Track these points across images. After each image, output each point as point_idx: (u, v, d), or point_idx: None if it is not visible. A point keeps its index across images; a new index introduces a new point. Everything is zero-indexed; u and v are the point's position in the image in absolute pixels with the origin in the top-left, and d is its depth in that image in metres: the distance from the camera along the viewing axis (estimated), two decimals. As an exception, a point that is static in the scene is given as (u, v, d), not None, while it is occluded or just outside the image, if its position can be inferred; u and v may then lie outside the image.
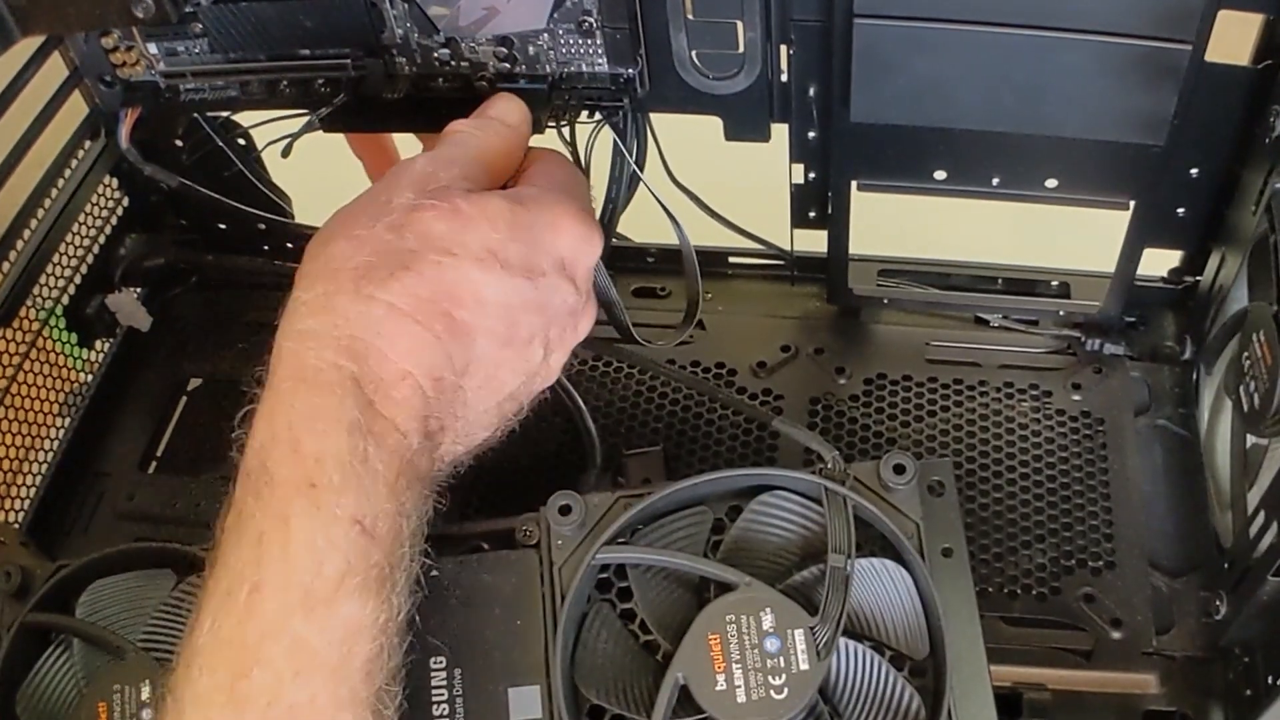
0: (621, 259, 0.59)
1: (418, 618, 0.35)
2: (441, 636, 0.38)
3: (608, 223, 0.48)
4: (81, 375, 0.57)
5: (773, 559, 0.38)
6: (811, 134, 0.49)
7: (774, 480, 0.39)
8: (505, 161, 0.39)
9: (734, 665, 0.35)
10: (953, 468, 0.39)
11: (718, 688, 0.35)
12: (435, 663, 0.37)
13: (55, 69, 0.50)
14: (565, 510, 0.38)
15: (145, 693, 0.38)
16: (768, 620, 0.36)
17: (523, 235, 0.36)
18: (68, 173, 0.54)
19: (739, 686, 0.35)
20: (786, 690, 0.35)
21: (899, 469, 0.38)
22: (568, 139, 0.45)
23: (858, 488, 0.38)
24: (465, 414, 0.36)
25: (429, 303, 0.34)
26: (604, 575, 0.38)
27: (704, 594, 0.38)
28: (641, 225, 0.53)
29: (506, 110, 0.41)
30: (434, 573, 0.39)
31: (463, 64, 0.45)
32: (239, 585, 0.30)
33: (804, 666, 0.35)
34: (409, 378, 0.33)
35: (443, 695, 0.37)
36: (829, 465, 0.39)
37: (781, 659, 0.35)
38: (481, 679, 0.37)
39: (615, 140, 0.46)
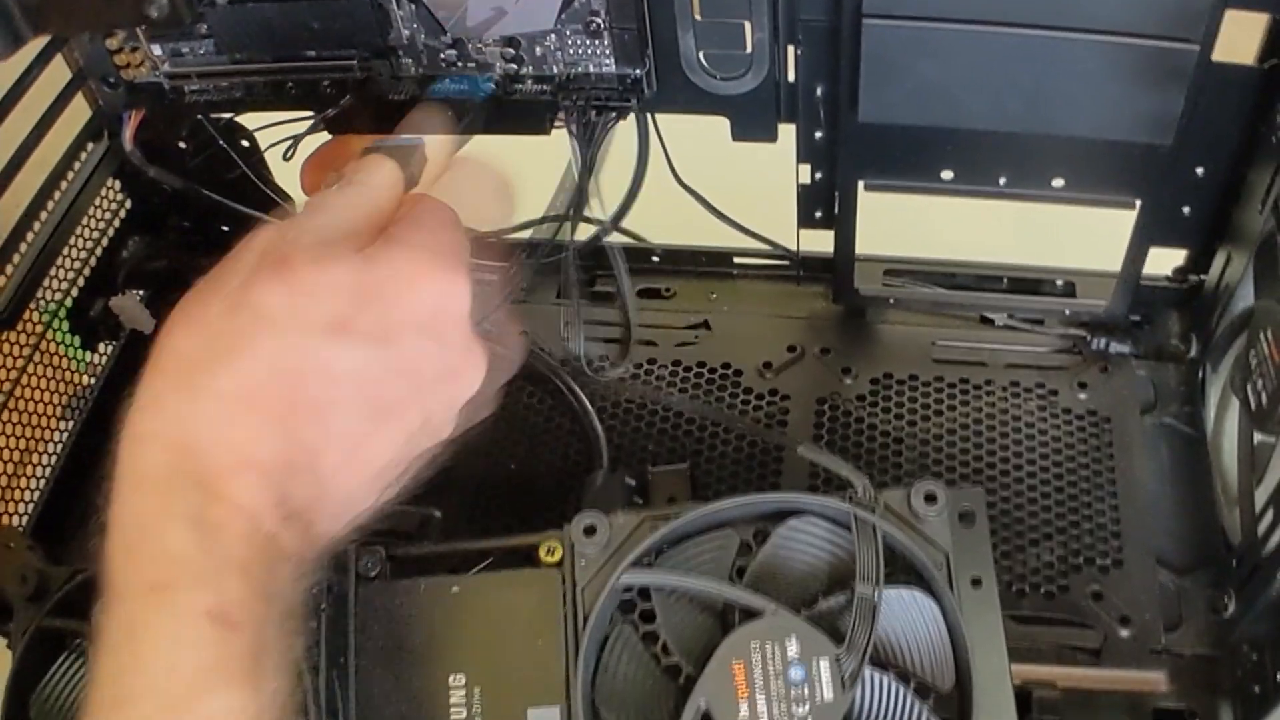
0: (626, 260, 0.59)
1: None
2: (462, 654, 0.37)
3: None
4: (85, 378, 0.57)
5: (799, 585, 0.38)
6: (818, 134, 0.49)
7: (802, 505, 0.39)
8: (369, 224, 0.36)
9: (757, 693, 0.35)
10: (984, 496, 0.39)
11: (740, 715, 0.35)
12: (454, 680, 0.37)
13: (59, 71, 0.50)
14: (590, 530, 0.38)
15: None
16: (793, 648, 0.36)
17: (373, 299, 0.33)
18: (71, 175, 0.54)
19: (762, 715, 0.35)
20: None
21: (930, 497, 0.38)
22: (574, 134, 0.45)
23: (887, 515, 0.38)
24: (333, 493, 0.33)
25: (266, 386, 0.31)
26: (627, 596, 0.38)
27: (728, 619, 0.37)
28: (646, 225, 0.53)
29: (372, 172, 0.38)
30: (454, 589, 0.38)
31: (470, 65, 0.45)
32: (101, 705, 0.29)
33: (828, 697, 0.35)
34: (251, 467, 0.31)
35: (462, 714, 0.37)
36: (859, 492, 0.38)
37: (806, 688, 0.35)
38: (501, 699, 0.37)
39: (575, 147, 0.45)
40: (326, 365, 0.32)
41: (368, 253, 0.34)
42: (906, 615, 0.37)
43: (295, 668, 0.32)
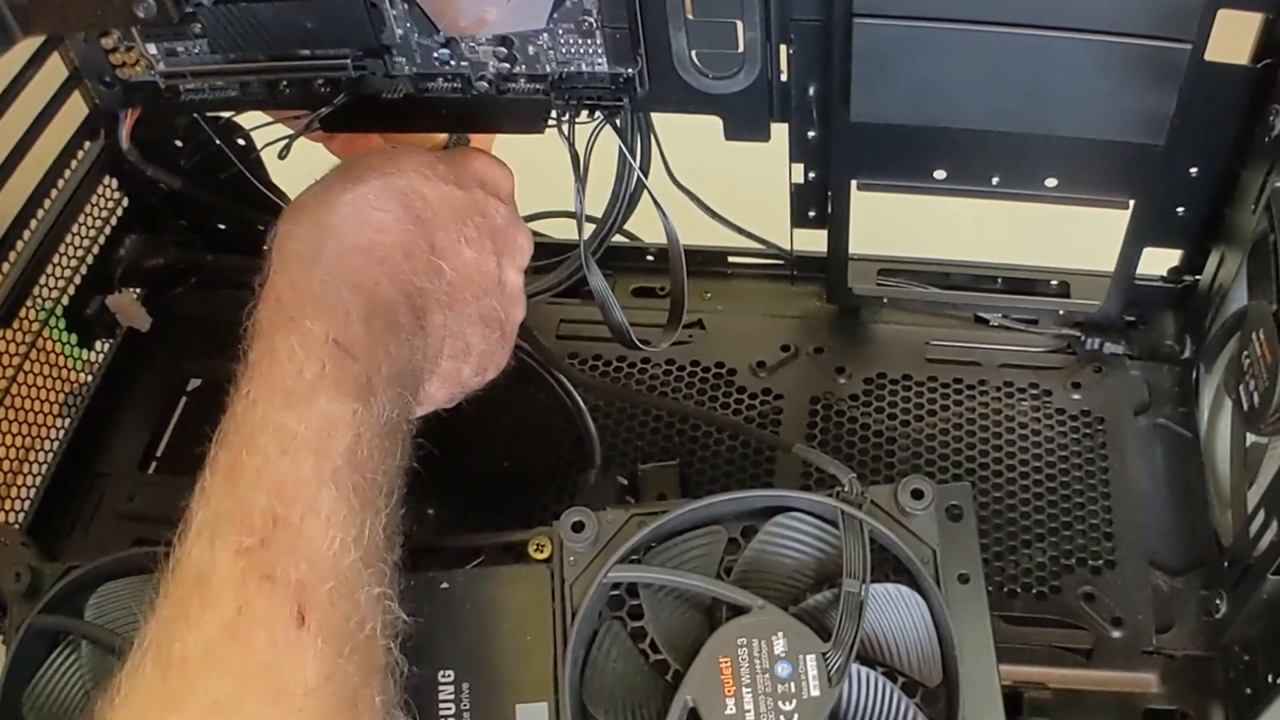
0: (621, 258, 0.60)
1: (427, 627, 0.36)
2: (451, 650, 0.38)
3: (611, 224, 0.48)
4: (81, 376, 0.57)
5: (786, 581, 0.38)
6: (811, 133, 0.49)
7: (789, 502, 0.39)
8: None
9: (744, 689, 0.35)
10: (972, 492, 0.39)
11: (727, 712, 0.35)
12: (444, 677, 0.37)
13: (55, 69, 0.50)
14: (579, 527, 0.38)
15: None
16: (780, 645, 0.36)
17: (444, 160, 0.43)
18: (68, 173, 0.54)
19: (749, 711, 0.35)
20: (797, 716, 0.35)
21: (917, 494, 0.38)
22: (566, 135, 0.45)
23: (874, 511, 0.38)
24: (450, 292, 0.41)
25: (383, 197, 0.40)
26: (615, 593, 0.38)
27: (716, 615, 0.37)
28: (641, 225, 0.53)
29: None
30: (444, 585, 0.39)
31: (462, 64, 0.45)
32: (236, 402, 0.35)
33: (815, 692, 0.35)
34: (377, 246, 0.39)
35: (450, 710, 0.37)
36: (846, 488, 0.38)
37: (792, 684, 0.35)
38: (490, 695, 0.37)
39: (620, 145, 0.46)
40: (421, 190, 0.41)
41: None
42: (894, 611, 0.37)
43: (408, 422, 0.38)
